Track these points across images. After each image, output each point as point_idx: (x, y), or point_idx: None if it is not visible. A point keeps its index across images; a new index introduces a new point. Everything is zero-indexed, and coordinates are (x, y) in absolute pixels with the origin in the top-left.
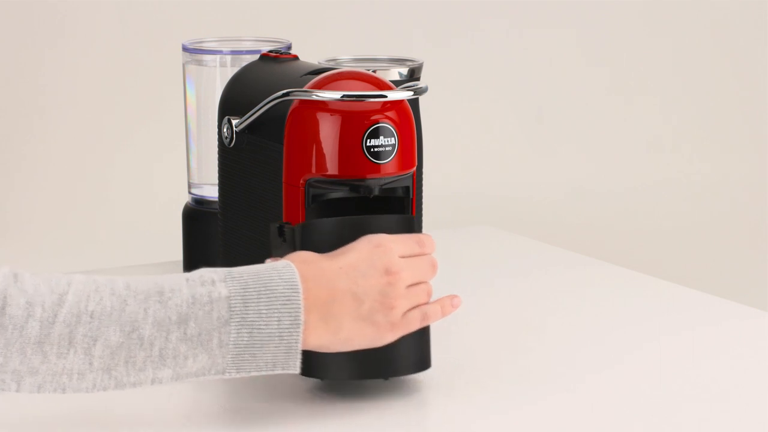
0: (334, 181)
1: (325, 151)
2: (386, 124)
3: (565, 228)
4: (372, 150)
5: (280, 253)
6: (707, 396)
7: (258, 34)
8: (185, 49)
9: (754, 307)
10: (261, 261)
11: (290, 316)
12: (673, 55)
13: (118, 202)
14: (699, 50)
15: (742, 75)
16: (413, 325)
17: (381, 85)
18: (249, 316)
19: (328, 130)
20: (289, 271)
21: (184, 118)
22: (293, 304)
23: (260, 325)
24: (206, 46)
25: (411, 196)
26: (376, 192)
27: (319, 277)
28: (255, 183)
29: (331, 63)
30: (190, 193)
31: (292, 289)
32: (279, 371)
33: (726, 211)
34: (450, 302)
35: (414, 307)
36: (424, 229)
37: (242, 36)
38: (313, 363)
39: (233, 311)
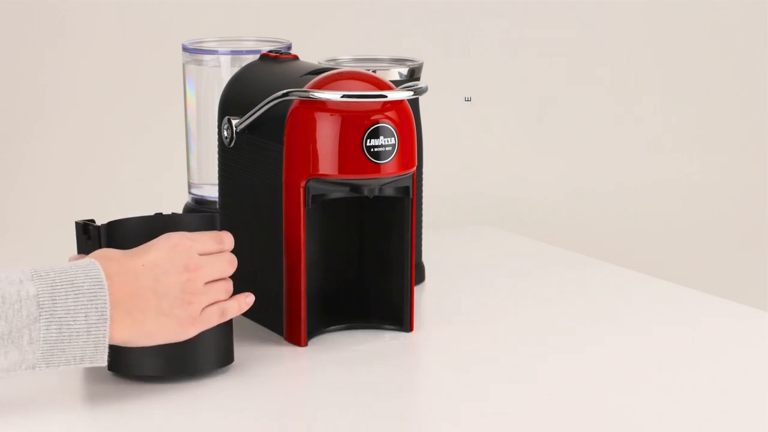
0: (334, 181)
1: (325, 151)
2: (386, 124)
3: (565, 228)
4: (372, 150)
5: (85, 251)
6: (707, 396)
7: (258, 34)
8: (185, 49)
9: (754, 307)
10: (261, 261)
11: (97, 312)
12: (673, 55)
13: (118, 202)
14: (699, 50)
15: (742, 75)
16: (213, 321)
17: (381, 85)
18: (57, 312)
19: (327, 130)
20: (93, 268)
21: (184, 118)
22: (99, 299)
23: (68, 321)
24: (206, 46)
25: (411, 196)
26: (377, 192)
27: (123, 274)
28: (255, 183)
29: (331, 63)
30: (190, 193)
31: (98, 285)
32: (87, 364)
33: (726, 211)
34: (244, 299)
35: (214, 303)
36: (424, 229)
37: (242, 36)
38: (124, 361)
39: (42, 308)
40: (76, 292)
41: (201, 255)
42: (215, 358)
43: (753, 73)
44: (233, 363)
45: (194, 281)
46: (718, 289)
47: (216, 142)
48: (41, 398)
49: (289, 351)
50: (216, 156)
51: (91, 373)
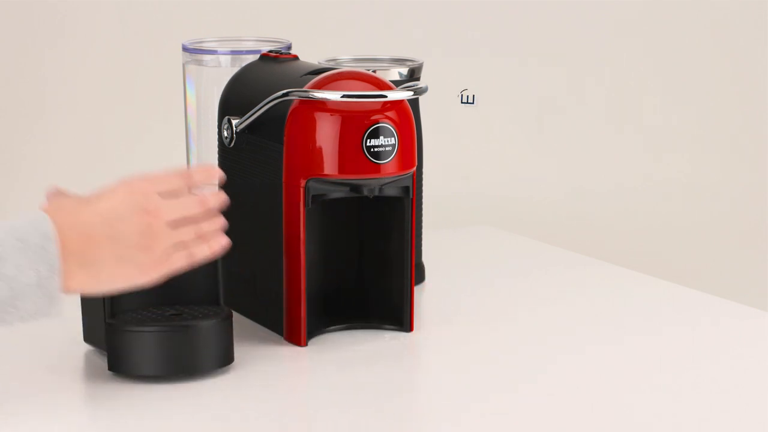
0: (334, 181)
1: (325, 151)
2: (386, 124)
3: (565, 228)
4: (372, 150)
5: None
6: (707, 396)
7: (258, 34)
8: (185, 49)
9: (754, 307)
10: (261, 261)
11: (47, 265)
12: (673, 55)
13: None
14: (699, 50)
15: (742, 75)
16: (179, 264)
17: (381, 85)
18: (7, 269)
19: (327, 130)
20: (43, 222)
21: (184, 118)
22: (49, 253)
23: (19, 277)
24: (206, 46)
25: (411, 196)
26: (377, 192)
27: (76, 224)
28: (255, 183)
29: (331, 63)
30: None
31: (46, 239)
32: (42, 318)
33: (726, 211)
34: (217, 241)
35: (182, 247)
36: (424, 229)
37: (242, 36)
38: (124, 361)
39: None
40: (24, 249)
41: (164, 196)
42: (215, 358)
43: (753, 73)
44: (233, 363)
45: (153, 225)
46: (718, 289)
47: (216, 142)
48: (41, 398)
49: (289, 351)
50: (216, 156)
51: (91, 373)
